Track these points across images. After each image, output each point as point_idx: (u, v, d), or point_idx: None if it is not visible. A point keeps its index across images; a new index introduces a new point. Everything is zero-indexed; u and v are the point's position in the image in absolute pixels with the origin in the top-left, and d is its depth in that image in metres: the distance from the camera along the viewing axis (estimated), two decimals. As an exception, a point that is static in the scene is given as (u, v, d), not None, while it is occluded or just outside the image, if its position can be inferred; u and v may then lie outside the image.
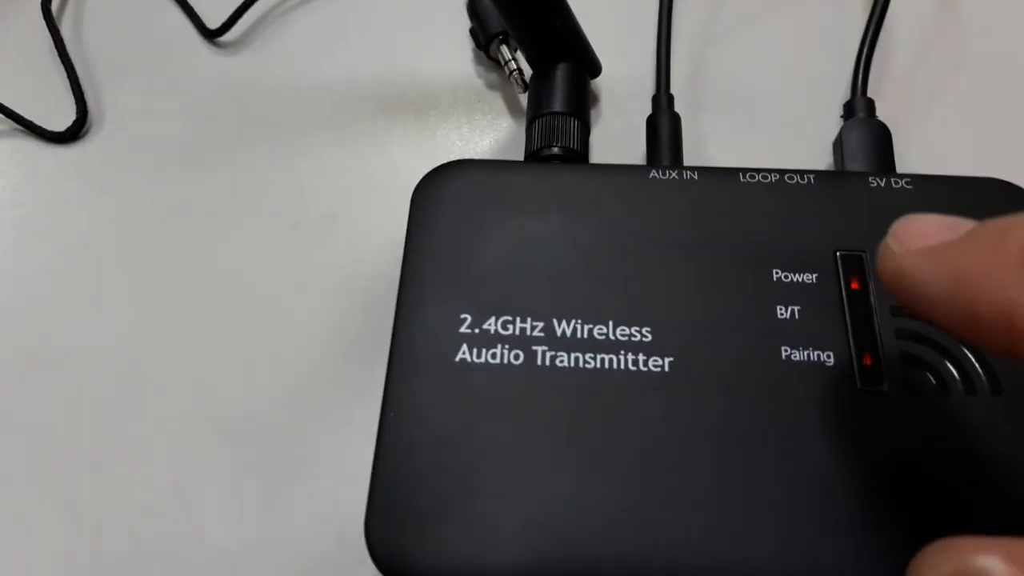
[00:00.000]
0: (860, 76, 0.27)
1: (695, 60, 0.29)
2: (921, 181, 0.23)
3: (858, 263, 0.21)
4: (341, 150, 0.28)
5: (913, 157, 0.26)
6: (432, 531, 0.18)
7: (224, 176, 0.27)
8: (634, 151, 0.27)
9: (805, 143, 0.27)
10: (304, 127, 0.28)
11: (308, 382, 0.23)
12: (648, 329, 0.20)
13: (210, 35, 0.30)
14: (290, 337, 0.24)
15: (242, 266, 0.25)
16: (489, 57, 0.29)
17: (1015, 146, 0.26)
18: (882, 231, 0.21)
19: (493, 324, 0.20)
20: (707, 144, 0.27)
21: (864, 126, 0.25)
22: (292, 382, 0.23)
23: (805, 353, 0.20)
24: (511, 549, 0.18)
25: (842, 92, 0.28)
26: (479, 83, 0.29)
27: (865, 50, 0.27)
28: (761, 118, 0.28)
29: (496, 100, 0.29)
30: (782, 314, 0.20)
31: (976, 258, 0.14)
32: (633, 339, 0.20)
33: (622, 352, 0.20)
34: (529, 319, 0.20)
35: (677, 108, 0.26)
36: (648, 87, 0.28)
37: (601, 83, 0.28)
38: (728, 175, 0.23)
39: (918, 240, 0.15)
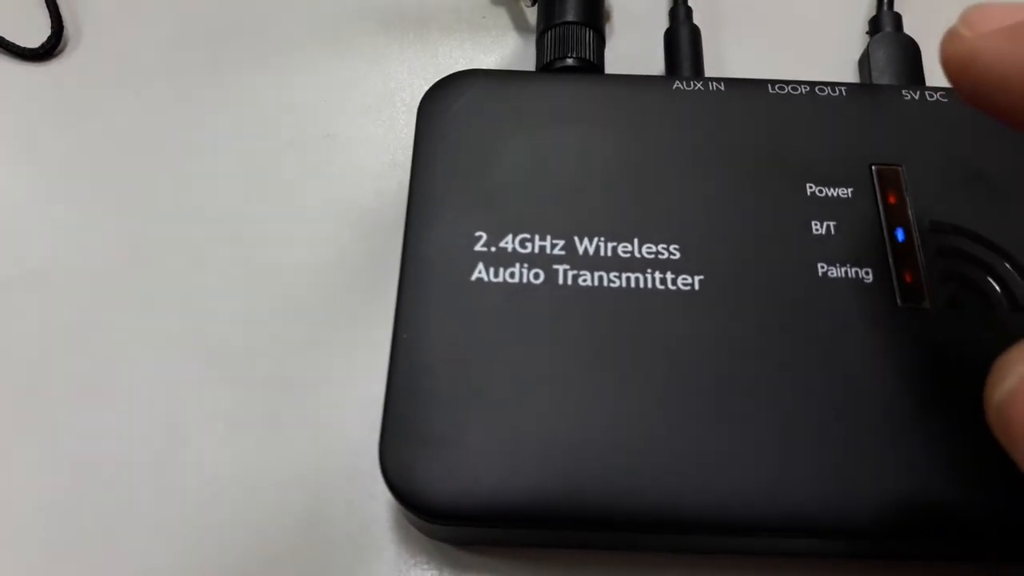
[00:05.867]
0: (887, -11, 0.25)
1: (710, -26, 0.28)
2: (956, 93, 0.22)
3: (894, 177, 0.20)
4: (337, 67, 0.26)
5: (940, 72, 0.25)
6: (449, 455, 0.17)
7: (213, 92, 0.25)
8: (649, 70, 0.25)
9: (826, 61, 0.26)
10: (296, 41, 0.26)
11: (307, 306, 0.22)
12: (676, 247, 0.19)
13: (193, -55, 0.28)
14: (289, 259, 0.23)
15: (236, 186, 0.24)
16: (493, -30, 0.27)
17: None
18: (917, 144, 0.21)
19: (510, 242, 0.19)
20: (724, 61, 0.26)
21: (892, 40, 0.24)
22: (291, 305, 0.22)
23: (843, 270, 0.19)
24: (530, 474, 0.17)
25: (863, 8, 0.27)
26: (482, -2, 0.27)
27: (891, -38, 0.26)
28: (780, 35, 0.26)
29: (501, 16, 0.27)
30: (817, 230, 0.19)
31: None
32: (660, 257, 0.19)
33: (649, 271, 0.19)
34: (549, 237, 0.19)
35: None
36: (661, 4, 0.27)
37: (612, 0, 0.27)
38: (756, 86, 0.21)
39: (994, 24, 0.14)
